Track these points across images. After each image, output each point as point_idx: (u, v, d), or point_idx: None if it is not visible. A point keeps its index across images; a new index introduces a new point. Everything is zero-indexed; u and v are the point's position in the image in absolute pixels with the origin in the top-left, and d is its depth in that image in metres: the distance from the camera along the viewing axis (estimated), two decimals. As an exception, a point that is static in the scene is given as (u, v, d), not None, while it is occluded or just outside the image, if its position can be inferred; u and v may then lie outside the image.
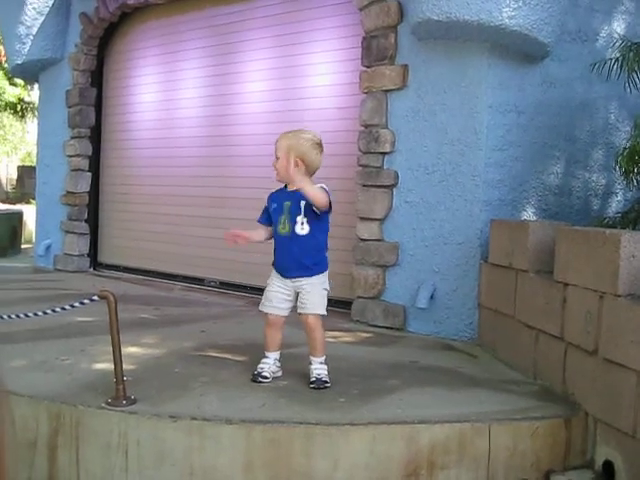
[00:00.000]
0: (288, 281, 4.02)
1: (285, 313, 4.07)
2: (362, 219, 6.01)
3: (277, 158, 3.98)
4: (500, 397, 4.01)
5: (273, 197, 4.12)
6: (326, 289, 4.04)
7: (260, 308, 4.13)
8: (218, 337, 5.26)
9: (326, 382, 4.00)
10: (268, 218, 4.12)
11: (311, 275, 3.99)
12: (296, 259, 3.96)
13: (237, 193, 7.50)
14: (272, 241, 4.13)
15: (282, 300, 4.03)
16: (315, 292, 3.98)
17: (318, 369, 4.03)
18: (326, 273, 4.06)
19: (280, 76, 7.27)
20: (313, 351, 4.06)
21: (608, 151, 5.83)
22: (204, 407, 3.62)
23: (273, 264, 4.11)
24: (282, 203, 4.00)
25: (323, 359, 4.07)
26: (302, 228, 3.94)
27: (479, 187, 5.41)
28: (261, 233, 4.17)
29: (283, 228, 3.98)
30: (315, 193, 3.83)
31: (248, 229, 4.24)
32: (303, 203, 3.92)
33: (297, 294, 4.02)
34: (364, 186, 6.01)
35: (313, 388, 3.97)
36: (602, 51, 5.66)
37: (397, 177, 5.84)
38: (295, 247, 3.96)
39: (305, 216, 3.93)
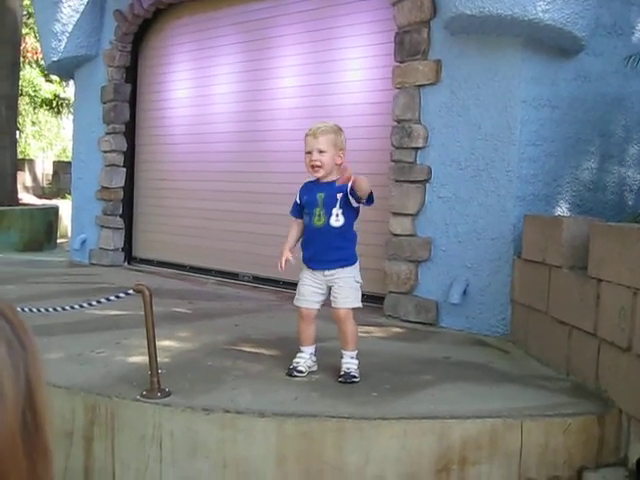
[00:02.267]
0: (320, 274, 4.03)
1: (317, 306, 4.09)
2: (395, 214, 6.01)
3: (321, 152, 3.95)
4: (532, 393, 4.00)
5: (305, 189, 4.14)
6: (358, 281, 4.05)
7: (294, 302, 4.17)
8: (251, 331, 5.30)
9: (354, 377, 4.00)
10: (300, 211, 4.14)
11: (343, 267, 4.00)
12: (329, 251, 3.98)
13: (270, 188, 7.53)
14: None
15: (314, 294, 4.05)
16: (347, 286, 3.99)
17: (348, 363, 4.04)
18: (357, 265, 4.07)
19: (313, 71, 7.29)
20: (344, 344, 4.08)
21: (644, 146, 5.78)
22: (237, 400, 3.66)
23: (303, 259, 4.12)
24: (315, 195, 4.01)
25: (354, 353, 4.07)
26: (337, 220, 3.96)
27: (512, 182, 5.39)
28: (297, 230, 4.20)
29: (318, 220, 3.99)
30: (368, 185, 3.84)
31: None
32: (340, 195, 3.93)
33: (329, 288, 4.04)
34: (397, 181, 6.01)
35: (341, 382, 3.98)
36: (638, 45, 5.60)
37: (430, 172, 5.83)
38: (329, 239, 3.98)
39: (340, 208, 3.95)
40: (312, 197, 4.03)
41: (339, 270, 4.00)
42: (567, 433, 3.61)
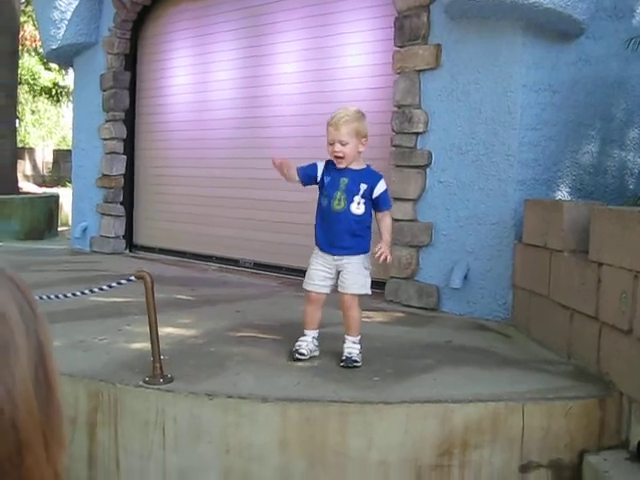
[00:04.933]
0: (330, 259, 4.02)
1: (327, 290, 4.09)
2: (396, 199, 5.98)
3: (343, 144, 3.91)
4: (534, 377, 4.01)
5: (329, 168, 4.05)
6: (367, 268, 4.06)
7: (304, 286, 4.16)
8: (253, 317, 5.31)
9: (356, 361, 4.01)
10: (308, 179, 4.10)
11: (356, 253, 3.99)
12: (346, 237, 3.97)
13: (271, 174, 7.47)
14: (313, 219, 4.16)
15: (324, 278, 4.04)
16: (357, 271, 3.99)
17: (350, 348, 4.06)
18: (369, 254, 4.07)
19: (313, 57, 7.27)
20: (348, 330, 4.09)
21: (644, 130, 5.77)
22: (240, 385, 3.67)
23: (316, 242, 4.11)
24: (339, 178, 3.99)
25: (357, 339, 4.08)
26: (358, 207, 3.96)
27: (513, 167, 5.39)
28: (294, 175, 4.10)
29: (338, 204, 3.96)
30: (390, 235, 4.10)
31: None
32: (364, 187, 3.96)
33: (338, 272, 4.03)
34: (397, 166, 6.00)
35: (342, 366, 3.99)
36: (639, 28, 5.57)
37: (430, 157, 5.83)
38: (347, 224, 3.96)
39: (363, 197, 3.96)
40: (335, 180, 4.00)
41: (351, 256, 4.00)
42: (568, 416, 3.62)
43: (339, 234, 3.98)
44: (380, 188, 4.02)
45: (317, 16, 7.20)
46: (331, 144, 3.96)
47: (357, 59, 6.83)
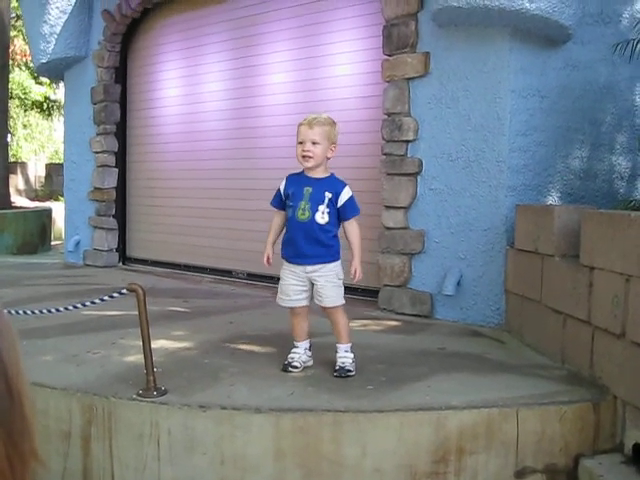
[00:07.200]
0: (300, 270, 3.97)
1: (305, 303, 4.05)
2: (387, 207, 6.02)
3: (314, 143, 3.89)
4: (528, 382, 4.01)
5: (290, 181, 4.06)
6: (340, 278, 4.01)
7: (277, 302, 4.14)
8: (246, 328, 5.31)
9: (350, 371, 4.00)
10: (281, 202, 4.09)
11: (326, 262, 3.95)
12: (312, 246, 3.92)
13: (262, 185, 7.52)
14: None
15: (299, 292, 4.01)
16: (329, 284, 3.96)
17: (343, 357, 4.04)
18: (339, 262, 4.02)
19: (302, 67, 7.29)
20: (338, 337, 4.08)
21: (633, 133, 5.79)
22: (234, 397, 3.67)
23: (283, 254, 4.07)
24: (302, 188, 3.96)
25: (348, 346, 4.07)
26: (322, 217, 3.91)
27: (503, 173, 5.40)
28: (279, 222, 4.14)
29: (302, 214, 3.92)
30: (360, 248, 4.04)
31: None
32: (328, 195, 3.91)
33: (312, 283, 3.99)
34: (388, 174, 6.02)
35: (336, 376, 3.97)
36: (625, 32, 5.60)
37: (421, 165, 5.84)
38: (312, 234, 3.92)
39: (327, 207, 3.92)
40: (298, 190, 3.96)
41: (320, 266, 3.96)
42: (563, 421, 3.63)
43: (305, 244, 3.93)
44: (345, 196, 3.96)
45: (306, 26, 7.22)
46: (301, 143, 3.92)
47: (346, 68, 6.85)
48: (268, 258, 4.13)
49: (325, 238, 3.94)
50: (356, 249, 4.01)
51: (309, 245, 3.93)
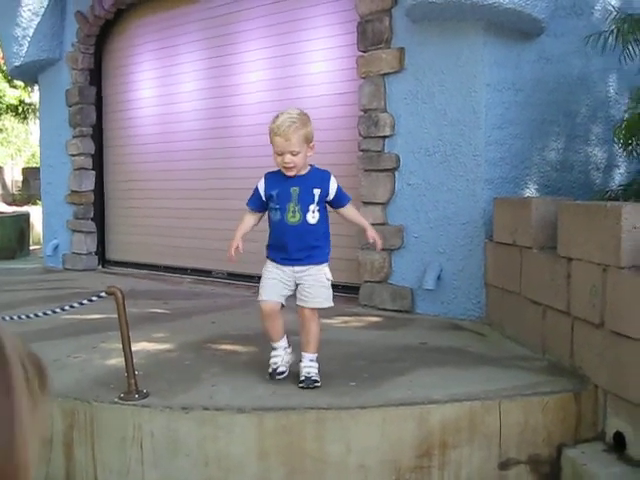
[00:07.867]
0: (289, 270, 3.77)
1: (282, 301, 3.82)
2: (365, 204, 6.02)
3: (294, 154, 3.64)
4: (509, 374, 4.03)
5: (271, 181, 3.82)
6: (329, 279, 3.82)
7: (258, 298, 3.89)
8: (228, 328, 5.30)
9: (316, 381, 3.78)
10: (261, 204, 3.86)
11: (316, 263, 3.77)
12: (305, 249, 3.73)
13: (241, 184, 7.49)
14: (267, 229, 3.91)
15: (282, 289, 3.79)
16: (318, 284, 3.76)
17: (308, 367, 3.82)
18: (327, 264, 3.85)
19: (277, 65, 7.28)
20: (306, 346, 3.84)
21: (608, 124, 5.82)
22: (216, 397, 3.66)
23: (271, 257, 3.86)
24: (288, 188, 3.72)
25: (315, 356, 3.86)
26: (313, 217, 3.73)
27: (480, 166, 5.42)
28: (250, 223, 3.93)
29: (293, 217, 3.70)
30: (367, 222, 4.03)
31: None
32: (317, 192, 3.73)
33: (297, 285, 3.79)
34: (366, 171, 6.02)
35: (302, 387, 3.76)
36: (598, 24, 5.63)
37: (398, 160, 5.85)
38: (305, 236, 3.72)
39: (317, 205, 3.74)
40: (284, 191, 3.72)
41: (310, 267, 3.77)
42: (545, 411, 3.65)
43: (297, 247, 3.73)
44: (333, 185, 3.79)
45: (280, 24, 7.20)
46: (280, 155, 3.68)
47: (322, 65, 6.85)
48: (237, 248, 3.85)
49: (317, 238, 3.77)
50: (364, 222, 3.97)
51: (301, 248, 3.73)
